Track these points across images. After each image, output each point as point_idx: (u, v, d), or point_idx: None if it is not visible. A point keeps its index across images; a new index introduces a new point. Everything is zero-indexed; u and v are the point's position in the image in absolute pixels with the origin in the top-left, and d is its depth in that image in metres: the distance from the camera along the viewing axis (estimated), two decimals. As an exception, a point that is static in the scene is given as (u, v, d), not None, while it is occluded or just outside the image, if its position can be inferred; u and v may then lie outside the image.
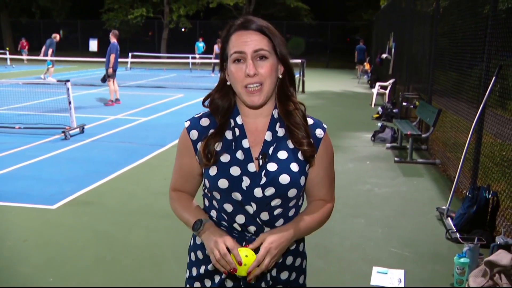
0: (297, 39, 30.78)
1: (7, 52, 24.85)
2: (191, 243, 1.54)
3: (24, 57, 24.22)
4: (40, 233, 3.93)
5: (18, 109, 9.87)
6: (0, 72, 19.92)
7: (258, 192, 1.36)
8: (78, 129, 7.63)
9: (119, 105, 11.04)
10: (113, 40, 11.05)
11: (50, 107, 9.71)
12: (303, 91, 14.03)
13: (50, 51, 15.45)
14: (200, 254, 1.49)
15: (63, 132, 7.27)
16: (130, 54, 22.57)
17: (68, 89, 7.61)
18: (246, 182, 1.37)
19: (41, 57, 15.86)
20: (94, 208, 4.50)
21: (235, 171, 1.37)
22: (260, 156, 1.38)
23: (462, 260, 3.20)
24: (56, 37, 15.73)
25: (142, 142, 7.21)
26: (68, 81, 7.70)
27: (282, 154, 1.39)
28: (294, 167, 1.38)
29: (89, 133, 7.67)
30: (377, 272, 3.30)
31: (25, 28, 33.33)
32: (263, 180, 1.36)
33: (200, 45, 24.14)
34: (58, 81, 8.05)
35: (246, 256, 1.31)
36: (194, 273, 1.51)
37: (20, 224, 4.09)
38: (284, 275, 1.47)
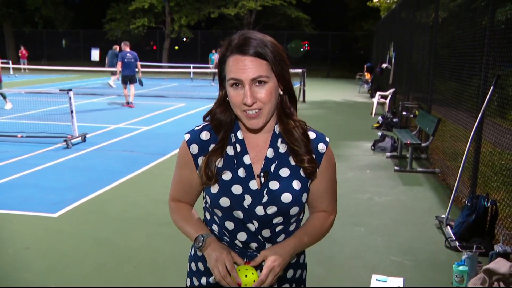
0: (292, 44, 30.88)
1: (10, 62, 25.03)
2: (192, 253, 1.54)
3: (25, 66, 24.38)
4: (42, 240, 3.96)
5: (21, 118, 9.94)
6: (3, 81, 20.00)
7: (260, 210, 1.36)
8: (80, 138, 7.68)
9: (120, 114, 11.13)
10: (125, 48, 12.53)
11: (52, 116, 9.77)
12: (303, 100, 14.09)
13: (116, 62, 17.13)
14: (201, 266, 1.49)
15: (65, 141, 7.32)
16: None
17: (70, 98, 7.66)
18: (248, 200, 1.36)
19: (110, 69, 17.56)
20: (95, 216, 4.53)
21: (236, 189, 1.35)
22: (262, 174, 1.36)
23: (461, 268, 3.22)
24: (117, 48, 17.07)
25: (144, 151, 7.25)
26: (70, 90, 7.76)
27: (284, 172, 1.37)
28: (296, 185, 1.37)
29: (91, 142, 7.72)
30: (377, 279, 3.32)
31: (28, 38, 33.59)
32: (265, 198, 1.35)
33: (214, 57, 24.26)
34: (60, 90, 8.11)
35: (246, 277, 1.30)
36: (196, 283, 1.51)
37: (22, 232, 4.12)
38: (289, 274, 1.48)
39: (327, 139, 1.45)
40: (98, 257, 3.66)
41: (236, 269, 1.32)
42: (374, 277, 3.35)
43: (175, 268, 3.46)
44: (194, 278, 1.52)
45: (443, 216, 4.35)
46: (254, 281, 1.30)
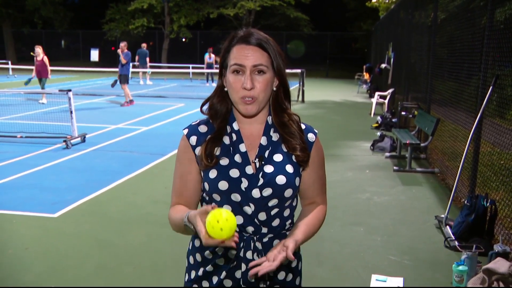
0: (294, 44, 30.97)
1: (9, 62, 25.01)
2: (190, 247, 1.58)
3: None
4: (41, 241, 3.96)
5: (20, 118, 9.94)
6: (2, 81, 20.02)
7: (256, 193, 1.43)
8: (79, 138, 7.68)
9: (120, 114, 11.13)
10: (126, 49, 12.96)
11: (52, 117, 9.76)
12: (303, 100, 14.07)
13: (147, 59, 18.84)
14: (198, 257, 1.53)
15: (64, 141, 7.32)
16: (131, 64, 22.68)
17: (69, 99, 7.66)
18: (244, 183, 1.43)
19: (142, 69, 19.00)
20: (95, 217, 4.53)
21: (234, 173, 1.43)
22: (257, 159, 1.45)
23: (460, 268, 3.22)
24: (145, 46, 18.59)
25: (143, 151, 7.26)
26: (69, 90, 7.76)
27: (278, 157, 1.46)
28: (289, 168, 1.46)
29: (90, 142, 7.72)
30: (376, 280, 3.32)
31: (27, 38, 33.54)
32: (261, 181, 1.43)
33: (206, 56, 24.25)
34: (59, 90, 8.11)
35: (218, 222, 1.19)
36: (193, 275, 1.55)
37: (22, 232, 4.12)
38: (281, 276, 1.51)
39: (316, 131, 1.56)
40: (98, 257, 3.66)
41: (206, 222, 1.22)
42: (374, 277, 3.35)
43: (175, 269, 3.46)
44: (192, 271, 1.55)
45: (443, 216, 4.36)
46: (226, 220, 1.20)
